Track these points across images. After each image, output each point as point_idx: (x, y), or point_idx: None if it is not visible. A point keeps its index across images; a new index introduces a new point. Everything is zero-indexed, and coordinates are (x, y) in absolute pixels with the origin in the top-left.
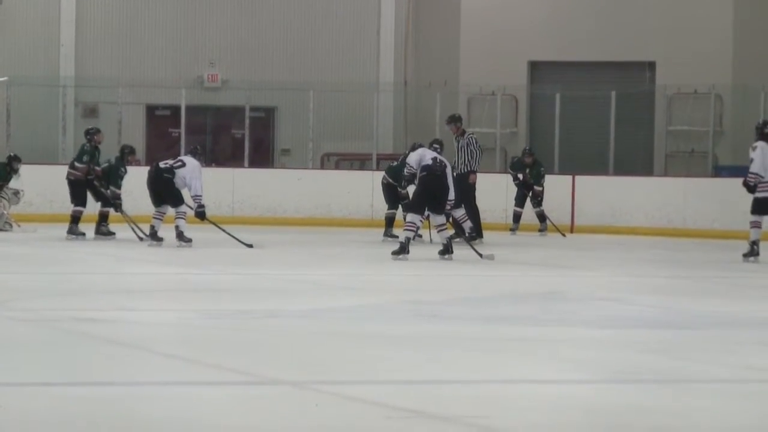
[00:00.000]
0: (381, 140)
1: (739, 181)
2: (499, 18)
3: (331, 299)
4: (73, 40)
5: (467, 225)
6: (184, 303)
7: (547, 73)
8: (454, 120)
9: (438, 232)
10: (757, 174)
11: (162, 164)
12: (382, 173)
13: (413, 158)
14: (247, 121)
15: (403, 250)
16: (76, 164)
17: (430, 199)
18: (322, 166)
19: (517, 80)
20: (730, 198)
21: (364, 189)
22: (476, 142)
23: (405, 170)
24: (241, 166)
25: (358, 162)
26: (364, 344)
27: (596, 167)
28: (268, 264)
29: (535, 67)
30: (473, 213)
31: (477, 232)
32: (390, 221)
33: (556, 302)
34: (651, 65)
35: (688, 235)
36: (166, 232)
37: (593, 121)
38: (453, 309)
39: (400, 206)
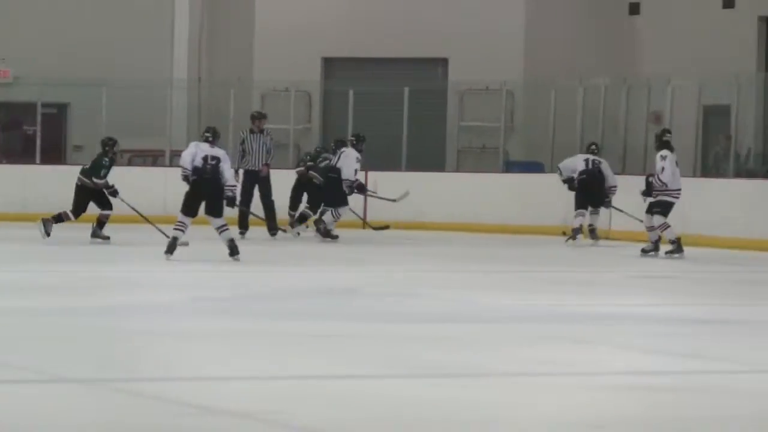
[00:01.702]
0: (174, 137)
1: (531, 176)
2: (293, 14)
3: (122, 296)
4: None
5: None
6: None
7: (340, 70)
8: (262, 116)
9: (219, 233)
10: (666, 183)
11: None
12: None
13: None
14: (39, 118)
15: (171, 249)
16: (95, 180)
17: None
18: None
19: (311, 76)
20: (520, 193)
21: (157, 185)
22: (272, 140)
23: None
24: (33, 162)
25: (151, 158)
26: (156, 341)
27: (389, 163)
28: (57, 261)
29: (328, 63)
30: (269, 208)
31: (274, 228)
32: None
33: (348, 297)
34: (443, 62)
35: (480, 230)
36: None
37: (386, 117)
38: (245, 305)
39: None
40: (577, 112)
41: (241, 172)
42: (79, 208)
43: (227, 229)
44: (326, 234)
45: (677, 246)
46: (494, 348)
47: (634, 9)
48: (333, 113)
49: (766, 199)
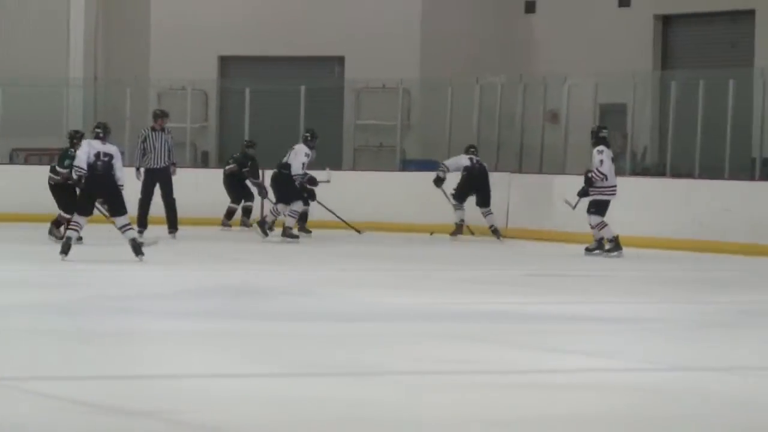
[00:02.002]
0: None
1: (428, 174)
2: (189, 13)
3: (18, 295)
4: None
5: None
6: None
7: (237, 68)
8: (164, 115)
9: (122, 233)
10: (605, 175)
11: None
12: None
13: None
14: None
15: (66, 249)
16: (58, 169)
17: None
18: (11, 161)
19: (208, 75)
20: (417, 191)
21: None
22: (172, 138)
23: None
24: None
25: (48, 157)
26: (62, 340)
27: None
28: None
29: (225, 62)
30: (171, 207)
31: (174, 227)
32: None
33: (242, 296)
34: (340, 60)
35: (377, 228)
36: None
37: (283, 115)
38: (142, 304)
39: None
40: (474, 110)
41: (142, 170)
42: (68, 205)
43: (130, 228)
44: (289, 234)
45: (615, 244)
46: (391, 346)
47: (530, 7)
48: (230, 112)
49: (663, 198)
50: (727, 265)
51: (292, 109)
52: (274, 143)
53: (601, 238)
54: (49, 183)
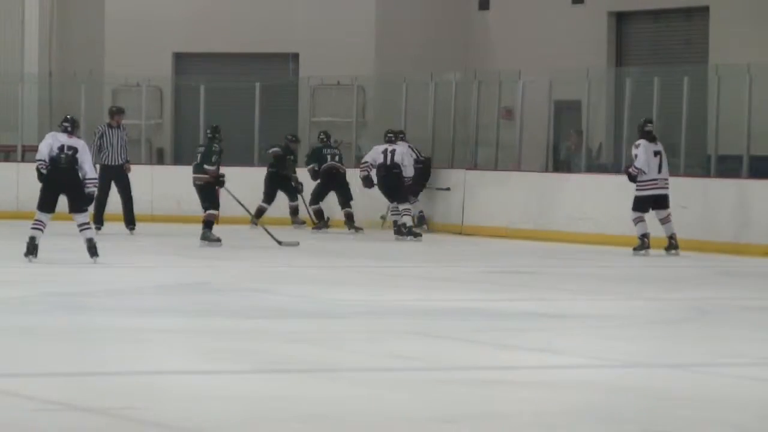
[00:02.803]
0: (26, 132)
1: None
2: (144, 8)
3: None
4: None
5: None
6: None
7: (192, 65)
8: (121, 111)
9: (80, 231)
10: (640, 168)
11: None
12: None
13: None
14: None
15: (31, 250)
16: (206, 167)
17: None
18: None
19: (162, 71)
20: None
21: (10, 181)
22: (127, 135)
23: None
24: None
25: (3, 154)
26: (14, 337)
27: (242, 159)
28: None
29: (179, 58)
30: (128, 203)
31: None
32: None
33: (201, 293)
34: (294, 57)
35: (336, 224)
36: None
37: (238, 112)
38: (101, 301)
39: None
40: (429, 107)
41: (98, 166)
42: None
43: (89, 227)
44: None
45: (641, 243)
46: (342, 343)
47: (484, 4)
48: (185, 109)
49: (618, 194)
50: (682, 261)
51: (247, 106)
52: (229, 141)
53: (643, 235)
54: (196, 184)
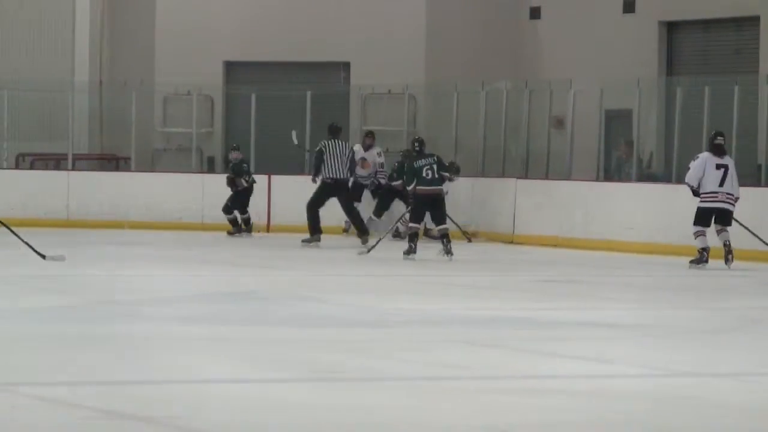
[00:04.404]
0: (76, 140)
1: None
2: (195, 17)
3: (26, 299)
4: None
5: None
6: None
7: (242, 73)
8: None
9: None
10: (687, 183)
11: None
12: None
13: None
14: None
15: None
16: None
17: None
18: (17, 166)
19: (213, 80)
20: None
21: (60, 189)
22: None
23: None
24: None
25: (54, 162)
26: (60, 344)
27: (292, 167)
28: None
29: (230, 66)
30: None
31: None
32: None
33: (250, 301)
34: (345, 65)
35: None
36: None
37: (289, 121)
38: (149, 309)
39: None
40: (480, 116)
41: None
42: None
43: None
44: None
45: (699, 256)
46: (390, 352)
47: (535, 13)
48: (235, 117)
49: (668, 204)
50: (734, 271)
51: (298, 115)
52: (280, 149)
53: (702, 248)
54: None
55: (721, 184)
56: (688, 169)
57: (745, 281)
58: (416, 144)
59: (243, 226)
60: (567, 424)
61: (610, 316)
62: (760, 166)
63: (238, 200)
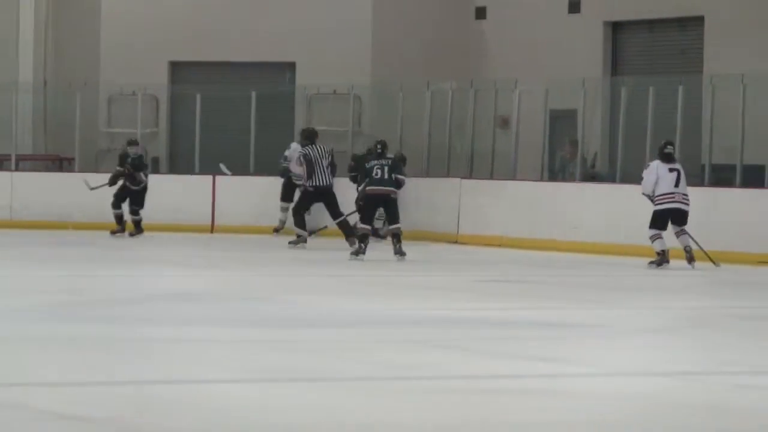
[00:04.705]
0: (20, 141)
1: None
2: (140, 17)
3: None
4: None
5: None
6: None
7: (187, 73)
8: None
9: None
10: (645, 194)
11: None
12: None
13: None
14: None
15: None
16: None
17: None
18: None
19: (158, 80)
20: None
21: (3, 190)
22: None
23: None
24: None
25: None
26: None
27: (236, 168)
28: None
29: (176, 67)
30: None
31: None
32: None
33: (200, 303)
34: (291, 66)
35: (332, 235)
36: None
37: (234, 121)
38: (93, 312)
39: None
40: (425, 115)
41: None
42: None
43: None
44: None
45: (660, 258)
46: (342, 352)
47: (481, 13)
48: (180, 117)
49: (613, 204)
50: (678, 271)
51: (243, 115)
52: (225, 149)
53: (661, 251)
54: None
55: (677, 185)
56: (641, 179)
57: (685, 281)
58: (378, 146)
59: (133, 228)
60: (518, 423)
61: (558, 315)
62: (704, 167)
63: (138, 198)
